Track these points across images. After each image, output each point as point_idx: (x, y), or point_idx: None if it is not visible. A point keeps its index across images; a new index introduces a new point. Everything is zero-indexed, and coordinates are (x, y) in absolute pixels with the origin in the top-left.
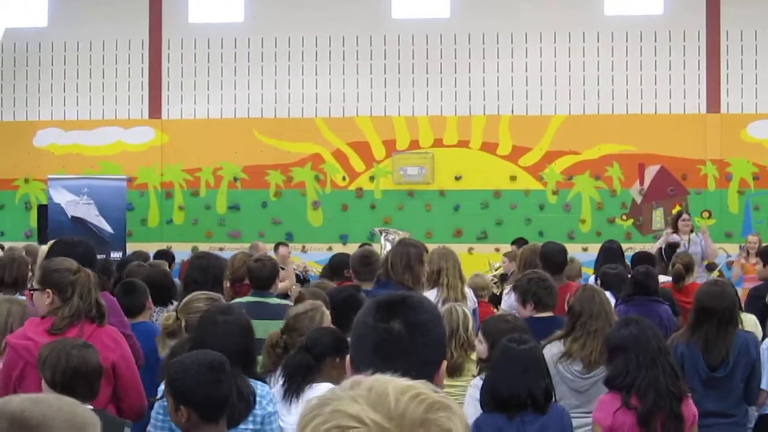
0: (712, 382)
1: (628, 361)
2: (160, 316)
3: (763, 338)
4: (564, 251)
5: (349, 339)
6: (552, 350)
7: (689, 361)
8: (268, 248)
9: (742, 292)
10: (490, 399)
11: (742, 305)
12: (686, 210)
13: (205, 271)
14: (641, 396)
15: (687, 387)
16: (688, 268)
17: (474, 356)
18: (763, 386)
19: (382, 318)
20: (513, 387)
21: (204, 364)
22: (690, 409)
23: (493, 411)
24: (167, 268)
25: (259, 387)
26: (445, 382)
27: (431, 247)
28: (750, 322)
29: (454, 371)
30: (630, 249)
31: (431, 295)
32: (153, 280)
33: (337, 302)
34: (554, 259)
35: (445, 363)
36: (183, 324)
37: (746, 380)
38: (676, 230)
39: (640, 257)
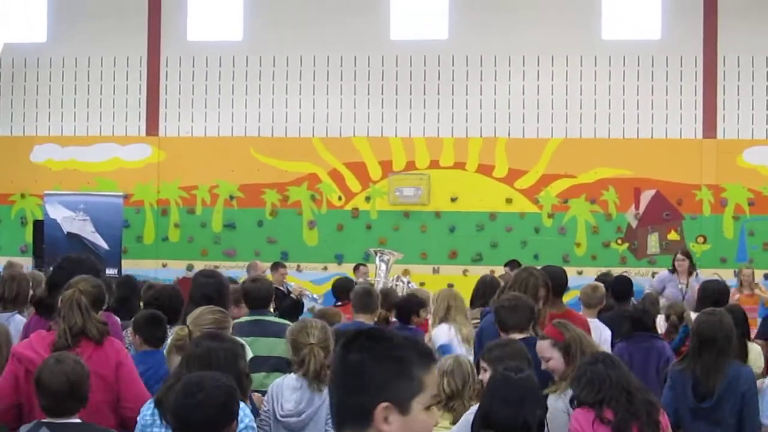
0: (699, 413)
1: (599, 380)
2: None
3: None
4: (563, 276)
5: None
6: (557, 404)
7: (680, 388)
8: (265, 267)
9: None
10: (483, 425)
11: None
12: (683, 249)
13: (218, 290)
14: (615, 407)
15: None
16: (681, 318)
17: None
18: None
19: (341, 346)
20: (508, 415)
21: (189, 383)
22: (665, 419)
23: None
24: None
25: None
26: (448, 426)
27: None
28: (755, 351)
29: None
30: (626, 273)
31: (445, 329)
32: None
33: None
34: (554, 283)
35: (382, 405)
36: (194, 336)
37: (740, 414)
38: (674, 270)
39: (621, 282)
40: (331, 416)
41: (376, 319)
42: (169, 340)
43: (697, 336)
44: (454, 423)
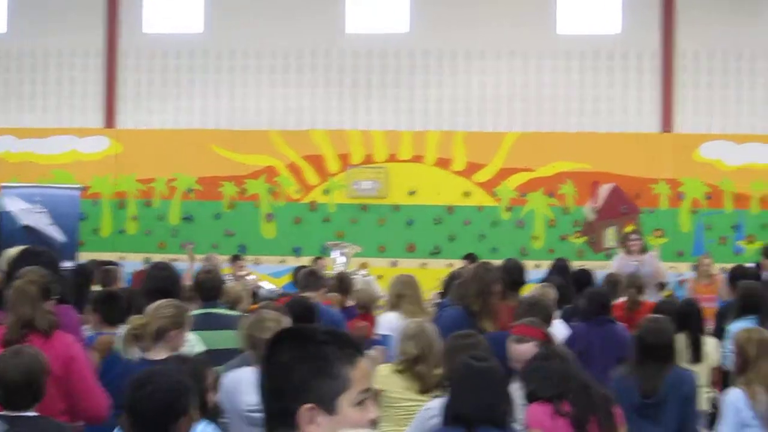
0: (644, 409)
1: (557, 375)
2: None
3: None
4: (523, 270)
5: None
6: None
7: (623, 389)
8: (221, 260)
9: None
10: (450, 414)
11: (703, 327)
12: (637, 230)
13: (173, 283)
14: (573, 401)
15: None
16: (641, 290)
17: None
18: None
19: (269, 346)
20: (474, 403)
21: (140, 377)
22: (619, 412)
23: (452, 426)
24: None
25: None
26: (416, 396)
27: (384, 262)
28: (711, 345)
29: (427, 387)
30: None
31: (392, 318)
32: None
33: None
34: (512, 277)
35: (306, 406)
36: (152, 329)
37: (682, 418)
38: (627, 251)
39: (582, 275)
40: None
41: (339, 305)
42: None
43: (640, 343)
44: (421, 391)
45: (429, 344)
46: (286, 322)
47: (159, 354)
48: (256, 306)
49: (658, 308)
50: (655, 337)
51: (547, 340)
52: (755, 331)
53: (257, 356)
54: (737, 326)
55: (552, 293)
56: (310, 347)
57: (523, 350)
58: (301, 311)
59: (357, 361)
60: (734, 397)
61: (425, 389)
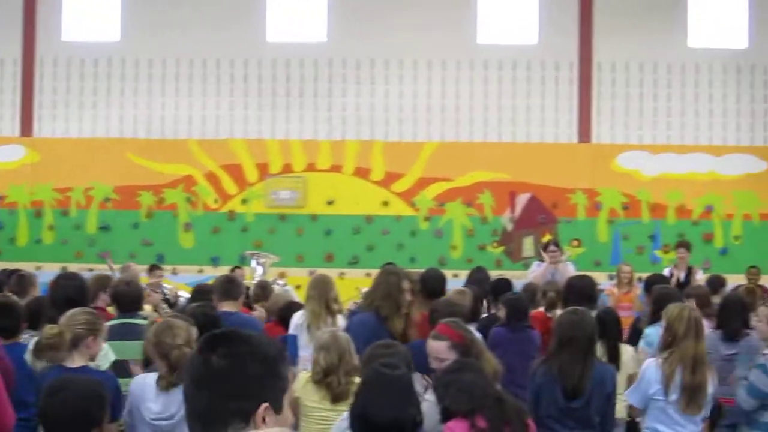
0: (569, 412)
1: (469, 389)
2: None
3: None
4: (443, 278)
5: None
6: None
7: (546, 390)
8: (139, 269)
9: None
10: (359, 422)
11: (621, 335)
12: (555, 240)
13: (80, 292)
14: (487, 414)
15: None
16: (560, 295)
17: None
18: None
19: (203, 349)
20: (383, 412)
21: (53, 384)
22: (532, 423)
23: None
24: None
25: None
26: (330, 406)
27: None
28: (628, 353)
29: (340, 397)
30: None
31: (294, 317)
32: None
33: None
34: (432, 286)
35: (264, 405)
36: (67, 337)
37: (604, 413)
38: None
39: (501, 284)
40: (191, 421)
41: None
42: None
43: (558, 335)
44: (334, 401)
45: (340, 355)
46: (195, 330)
47: (75, 362)
48: (160, 319)
49: None
50: (575, 329)
51: (463, 343)
52: (686, 309)
53: (165, 363)
54: (650, 331)
55: (468, 297)
56: (256, 349)
57: (436, 347)
58: (205, 320)
59: (287, 362)
60: (651, 369)
61: (337, 399)
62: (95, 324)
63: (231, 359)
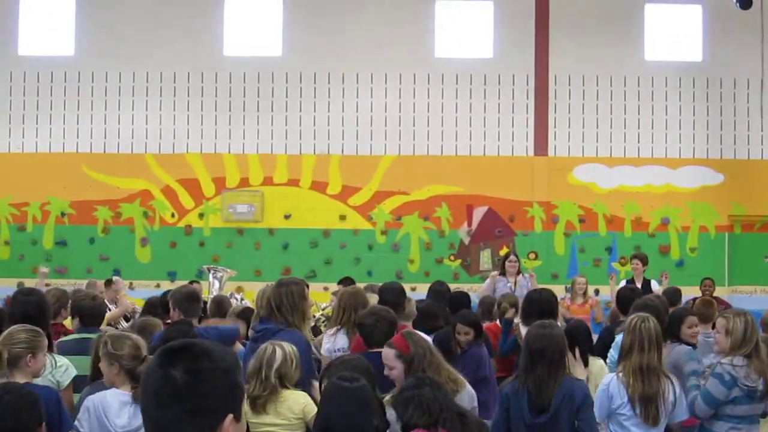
0: (536, 428)
1: (429, 404)
2: None
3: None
4: (401, 291)
5: None
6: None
7: (514, 405)
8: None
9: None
10: None
11: (592, 346)
12: (514, 252)
13: (39, 308)
14: (450, 429)
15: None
16: (515, 306)
17: (283, 395)
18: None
19: (163, 363)
20: (345, 425)
21: None
22: None
23: None
24: None
25: None
26: (253, 419)
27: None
28: (597, 365)
29: (257, 407)
30: (459, 290)
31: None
32: None
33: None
34: (390, 298)
35: (230, 417)
36: (4, 357)
37: (577, 427)
38: (503, 272)
39: (459, 297)
40: None
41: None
42: None
43: (528, 349)
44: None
45: (259, 365)
46: (143, 341)
47: (17, 380)
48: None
49: None
50: (543, 342)
51: (408, 353)
52: (635, 319)
53: (117, 373)
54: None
55: (412, 307)
56: (217, 361)
57: (385, 354)
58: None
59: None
60: (613, 383)
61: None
62: (33, 341)
63: (195, 374)
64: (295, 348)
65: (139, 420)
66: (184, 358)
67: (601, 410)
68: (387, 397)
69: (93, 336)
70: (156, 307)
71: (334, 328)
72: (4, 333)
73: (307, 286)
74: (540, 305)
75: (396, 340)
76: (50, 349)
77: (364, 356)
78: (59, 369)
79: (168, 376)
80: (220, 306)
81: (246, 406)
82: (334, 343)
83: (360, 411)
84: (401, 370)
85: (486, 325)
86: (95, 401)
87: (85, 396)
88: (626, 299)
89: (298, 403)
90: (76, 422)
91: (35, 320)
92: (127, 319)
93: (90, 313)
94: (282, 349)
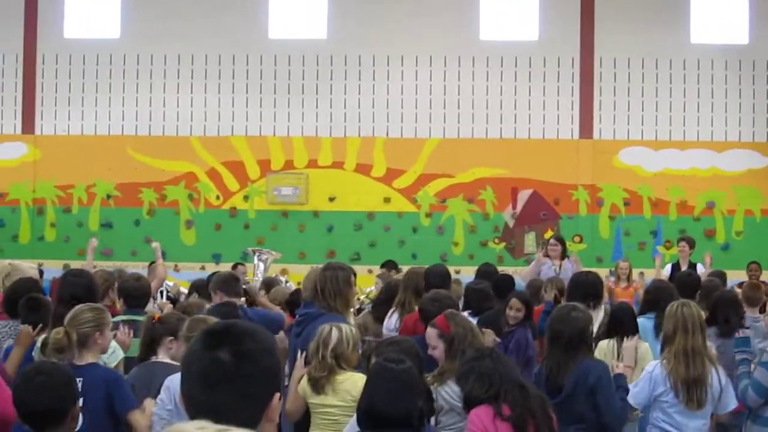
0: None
1: (489, 375)
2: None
3: None
4: (447, 274)
5: None
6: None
7: (539, 384)
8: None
9: None
10: (366, 417)
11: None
12: (558, 235)
13: (88, 289)
14: (511, 402)
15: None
16: (563, 292)
17: (341, 377)
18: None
19: (208, 346)
20: (389, 406)
21: (27, 371)
22: (554, 415)
23: (368, 429)
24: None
25: None
26: (313, 400)
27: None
28: (643, 348)
29: (317, 387)
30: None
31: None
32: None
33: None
34: (437, 281)
35: (277, 395)
36: (74, 338)
37: (597, 409)
38: (547, 255)
39: (504, 280)
40: (198, 417)
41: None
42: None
43: (549, 331)
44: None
45: (317, 345)
46: None
47: (84, 359)
48: (159, 315)
49: None
50: (563, 324)
51: (448, 333)
52: (675, 305)
53: None
54: (639, 323)
55: (460, 290)
56: (261, 340)
57: (428, 333)
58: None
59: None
60: (656, 370)
61: (315, 389)
62: (99, 318)
63: (242, 355)
64: (353, 329)
65: None
66: (229, 340)
67: (641, 396)
68: (428, 377)
69: (139, 318)
70: (202, 289)
71: (393, 307)
72: (69, 314)
73: (355, 275)
74: (585, 288)
75: (438, 320)
76: None
77: (415, 339)
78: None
79: (215, 359)
80: (271, 287)
81: (307, 387)
82: (389, 321)
83: (404, 392)
84: (442, 350)
85: (534, 308)
86: (174, 381)
87: (134, 377)
88: (684, 283)
89: (356, 385)
90: (158, 400)
91: (83, 301)
92: (173, 302)
93: (134, 293)
94: (339, 330)
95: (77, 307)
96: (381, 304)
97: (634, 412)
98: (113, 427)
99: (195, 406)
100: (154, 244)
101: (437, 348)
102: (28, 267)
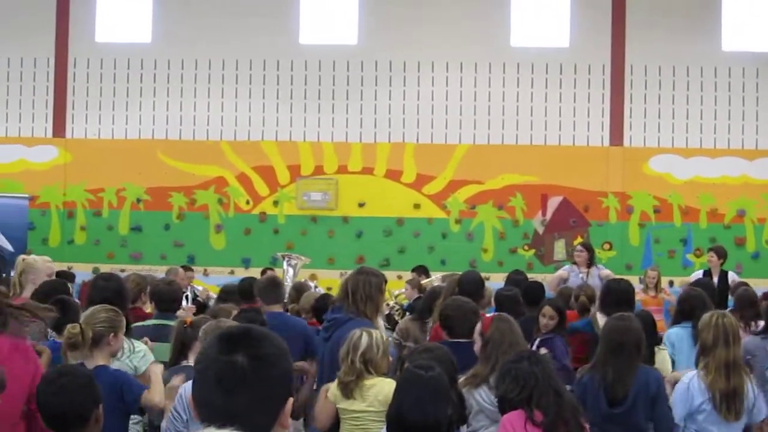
0: (612, 418)
1: (524, 377)
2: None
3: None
4: (481, 281)
5: None
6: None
7: (590, 395)
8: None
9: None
10: (395, 424)
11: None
12: (585, 242)
13: (118, 293)
14: (545, 407)
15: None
16: (592, 299)
17: (369, 382)
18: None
19: (224, 350)
20: (418, 413)
21: (49, 374)
22: (586, 425)
23: None
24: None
25: None
26: (342, 404)
27: (334, 274)
28: (661, 356)
29: (347, 392)
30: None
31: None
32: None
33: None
34: (471, 288)
35: (291, 400)
36: (89, 335)
37: (654, 418)
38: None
39: (534, 288)
40: (213, 421)
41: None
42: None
43: (606, 341)
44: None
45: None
46: None
47: (96, 361)
48: (190, 320)
49: None
50: (622, 335)
51: (485, 333)
52: (714, 316)
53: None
54: (673, 332)
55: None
56: (277, 345)
57: (477, 326)
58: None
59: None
60: (693, 382)
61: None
62: (114, 321)
63: (260, 359)
64: (384, 336)
65: None
66: (246, 345)
67: (681, 410)
68: (461, 380)
69: (170, 323)
70: (231, 294)
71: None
72: (86, 313)
73: (386, 282)
74: (618, 295)
75: (486, 318)
76: (128, 333)
77: (446, 345)
78: (137, 354)
79: (233, 363)
80: (300, 292)
81: (337, 391)
82: None
83: (433, 399)
84: (479, 347)
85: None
86: (186, 388)
87: (164, 381)
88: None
89: (384, 391)
90: (172, 408)
91: (114, 305)
92: (203, 306)
93: (166, 297)
94: (369, 336)
95: (94, 307)
96: (426, 311)
97: None
98: (124, 430)
99: (209, 411)
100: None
101: (477, 343)
102: (41, 262)
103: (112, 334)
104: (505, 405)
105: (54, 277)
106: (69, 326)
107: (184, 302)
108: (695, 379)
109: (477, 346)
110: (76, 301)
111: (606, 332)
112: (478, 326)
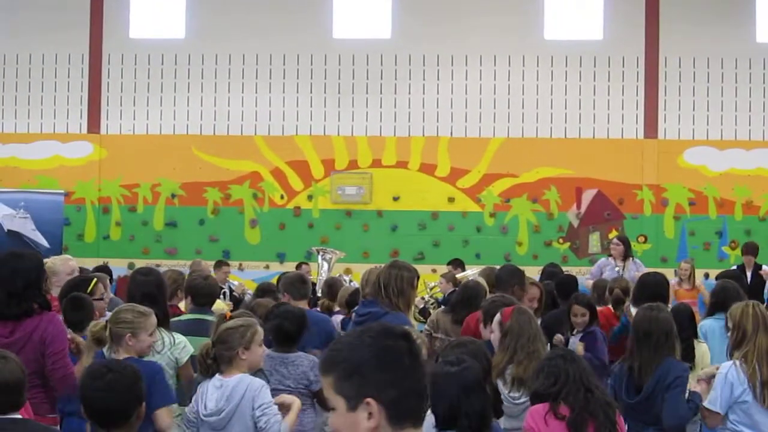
0: (633, 407)
1: (556, 374)
2: None
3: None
4: (519, 273)
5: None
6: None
7: (617, 386)
8: (207, 265)
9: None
10: (437, 416)
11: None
12: (620, 235)
13: (158, 287)
14: (572, 403)
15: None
16: (626, 292)
17: None
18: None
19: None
20: (450, 407)
21: (95, 368)
22: (621, 421)
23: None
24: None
25: None
26: None
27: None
28: (701, 350)
29: None
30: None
31: None
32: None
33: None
34: (512, 281)
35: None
36: (108, 333)
37: (665, 408)
38: (611, 255)
39: (567, 281)
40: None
41: (318, 308)
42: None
43: (635, 331)
44: None
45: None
46: (260, 330)
47: (120, 355)
48: (230, 314)
49: None
50: (650, 325)
51: (505, 323)
52: (750, 305)
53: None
54: (706, 324)
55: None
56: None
57: (496, 317)
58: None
59: None
60: (732, 372)
61: None
62: (135, 322)
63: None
64: (419, 333)
65: (228, 402)
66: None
67: (722, 401)
68: None
69: (205, 317)
70: (267, 291)
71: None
72: (114, 310)
73: (418, 277)
74: (652, 288)
75: (506, 309)
76: (167, 327)
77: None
78: (177, 346)
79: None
80: (332, 288)
81: None
82: None
83: (461, 394)
84: (497, 337)
85: (599, 309)
86: (200, 386)
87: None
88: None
89: None
90: (191, 403)
91: (153, 299)
92: (238, 302)
93: (202, 292)
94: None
95: (122, 305)
96: (459, 305)
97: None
98: (149, 425)
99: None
100: None
101: (494, 333)
102: (60, 264)
103: (129, 334)
104: (536, 400)
105: (76, 274)
106: (93, 323)
107: (222, 298)
108: (733, 369)
109: (495, 336)
110: (89, 297)
111: (635, 322)
112: (497, 317)
